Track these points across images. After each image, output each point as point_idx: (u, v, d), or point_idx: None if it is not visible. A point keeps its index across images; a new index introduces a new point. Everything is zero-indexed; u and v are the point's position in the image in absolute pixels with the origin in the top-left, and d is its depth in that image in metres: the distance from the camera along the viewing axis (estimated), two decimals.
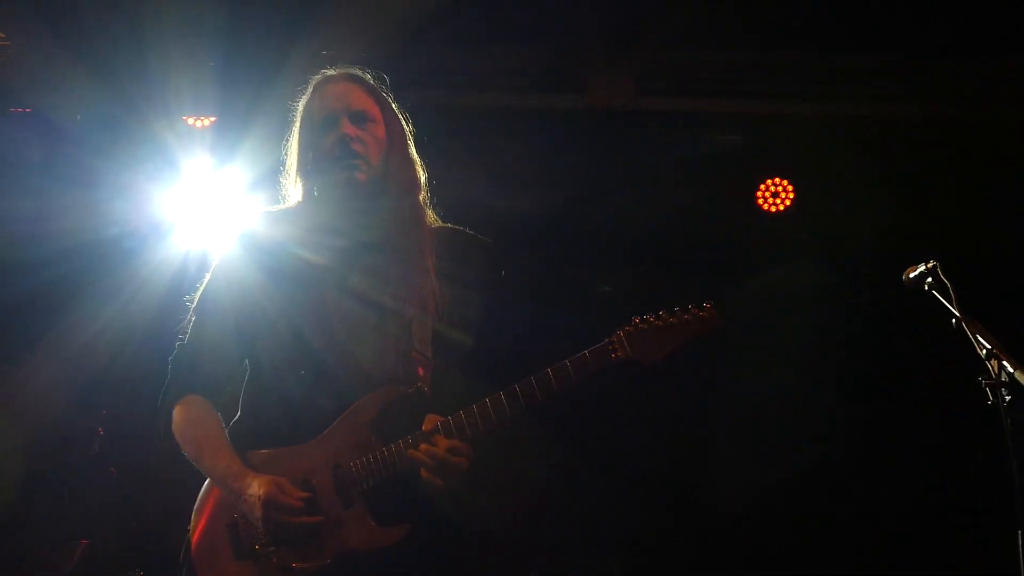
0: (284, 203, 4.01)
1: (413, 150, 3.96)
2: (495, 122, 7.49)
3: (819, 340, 7.53)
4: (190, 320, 3.90)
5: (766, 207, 7.86)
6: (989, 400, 3.30)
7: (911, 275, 3.75)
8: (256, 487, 3.54)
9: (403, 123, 3.95)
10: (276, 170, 6.92)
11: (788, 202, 7.84)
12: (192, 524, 3.78)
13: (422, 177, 3.95)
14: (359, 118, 3.83)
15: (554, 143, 7.53)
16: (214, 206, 7.26)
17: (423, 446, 3.52)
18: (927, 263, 3.71)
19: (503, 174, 7.55)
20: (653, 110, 7.46)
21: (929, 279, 3.68)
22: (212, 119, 7.18)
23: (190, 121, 7.12)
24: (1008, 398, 3.25)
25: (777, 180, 7.84)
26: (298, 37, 6.75)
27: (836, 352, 7.65)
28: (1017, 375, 3.24)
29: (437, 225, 3.95)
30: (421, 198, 3.93)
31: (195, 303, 3.91)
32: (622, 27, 6.97)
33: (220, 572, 3.67)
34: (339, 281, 3.78)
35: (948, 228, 7.28)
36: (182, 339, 3.88)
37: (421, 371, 3.70)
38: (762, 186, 7.86)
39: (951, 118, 7.46)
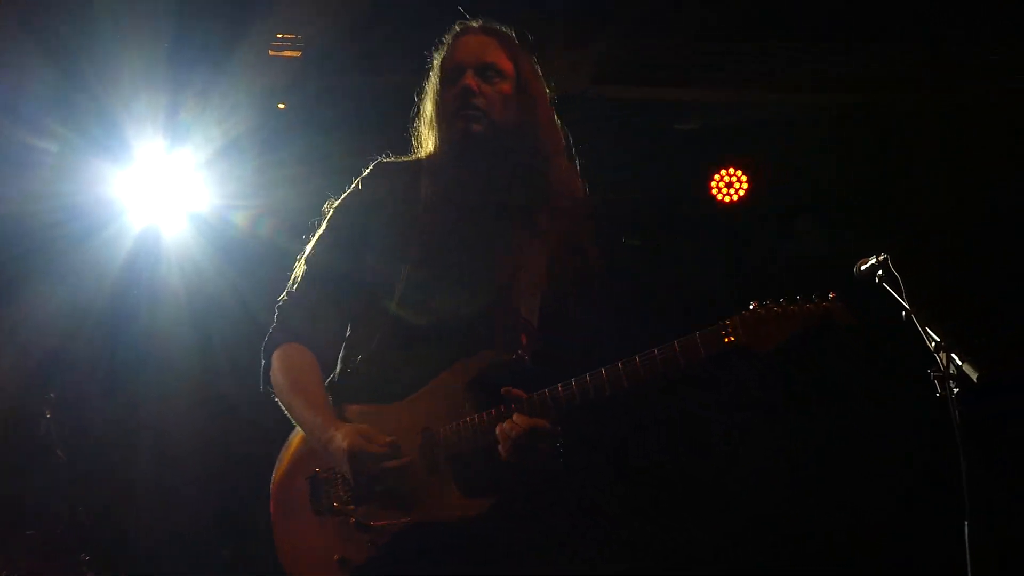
0: (411, 154, 3.92)
1: (553, 113, 3.85)
2: None
3: None
4: (300, 270, 3.83)
5: (720, 197, 7.88)
6: (938, 392, 3.32)
7: (862, 267, 3.74)
8: (340, 438, 3.46)
9: (542, 84, 3.85)
10: (227, 149, 6.99)
11: (742, 192, 7.86)
12: (273, 476, 3.76)
13: (563, 142, 3.85)
14: (486, 71, 3.72)
15: None
16: (166, 187, 7.21)
17: (504, 424, 3.40)
18: (878, 255, 3.70)
19: None
20: (609, 97, 7.45)
21: (880, 272, 3.67)
22: (165, 99, 7.11)
23: (143, 101, 7.05)
24: (956, 390, 3.27)
25: (731, 170, 7.86)
26: (252, 17, 6.71)
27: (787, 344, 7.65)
28: (965, 368, 3.25)
29: (585, 196, 3.86)
30: (563, 164, 3.83)
31: (306, 253, 3.84)
32: (580, 15, 6.95)
33: (297, 526, 3.64)
34: (444, 242, 3.68)
35: (903, 219, 7.34)
36: (291, 288, 3.83)
37: (524, 338, 3.62)
38: (716, 176, 7.87)
39: (907, 106, 7.50)
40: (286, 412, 3.71)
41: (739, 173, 7.84)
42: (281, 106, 7.25)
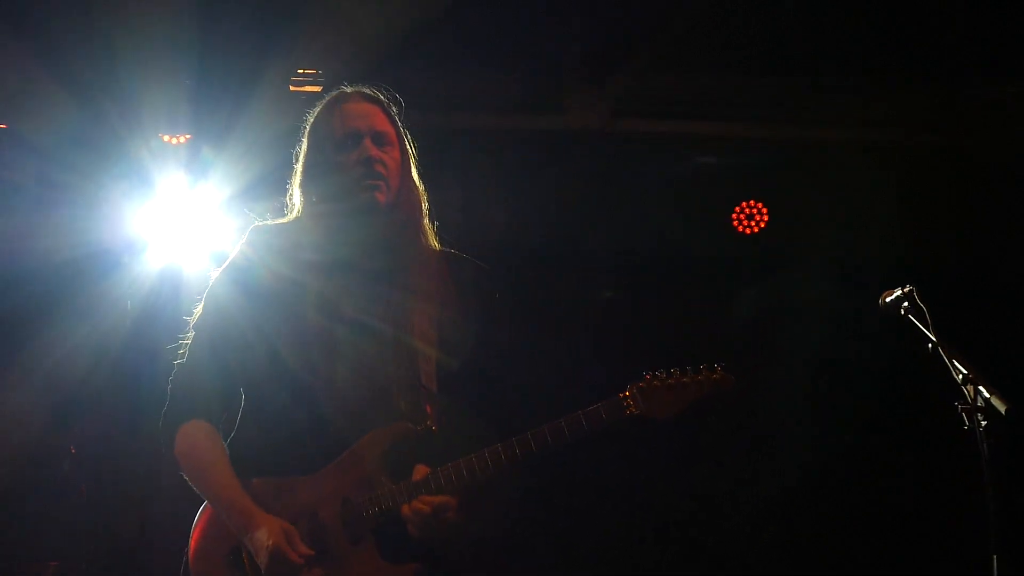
0: (285, 216, 3.92)
1: (416, 174, 3.90)
2: (471, 142, 7.49)
3: (793, 363, 7.53)
4: (188, 338, 3.80)
5: (741, 229, 7.89)
6: (965, 425, 3.30)
7: (887, 299, 3.72)
8: (265, 534, 3.48)
9: (410, 146, 3.90)
10: (250, 187, 7.01)
11: (763, 224, 7.87)
12: (190, 546, 3.70)
13: (425, 201, 3.89)
14: (381, 140, 3.77)
15: (531, 164, 7.53)
16: (188, 223, 7.23)
17: (413, 504, 3.49)
18: (903, 287, 3.69)
19: (478, 194, 7.54)
20: (630, 132, 7.48)
21: (905, 303, 3.65)
22: (187, 136, 7.15)
23: (165, 138, 7.09)
24: (984, 423, 3.25)
25: (752, 202, 7.86)
26: (273, 55, 6.74)
27: (810, 375, 7.64)
28: (993, 400, 3.23)
29: (439, 249, 3.90)
30: (425, 223, 3.88)
31: (193, 320, 3.82)
32: (600, 50, 6.98)
33: None
34: (333, 307, 3.70)
35: (925, 252, 7.33)
36: (181, 359, 3.79)
37: (429, 408, 3.67)
38: (737, 208, 7.88)
39: (928, 143, 7.51)
40: (197, 491, 3.71)
41: (760, 205, 7.85)
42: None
